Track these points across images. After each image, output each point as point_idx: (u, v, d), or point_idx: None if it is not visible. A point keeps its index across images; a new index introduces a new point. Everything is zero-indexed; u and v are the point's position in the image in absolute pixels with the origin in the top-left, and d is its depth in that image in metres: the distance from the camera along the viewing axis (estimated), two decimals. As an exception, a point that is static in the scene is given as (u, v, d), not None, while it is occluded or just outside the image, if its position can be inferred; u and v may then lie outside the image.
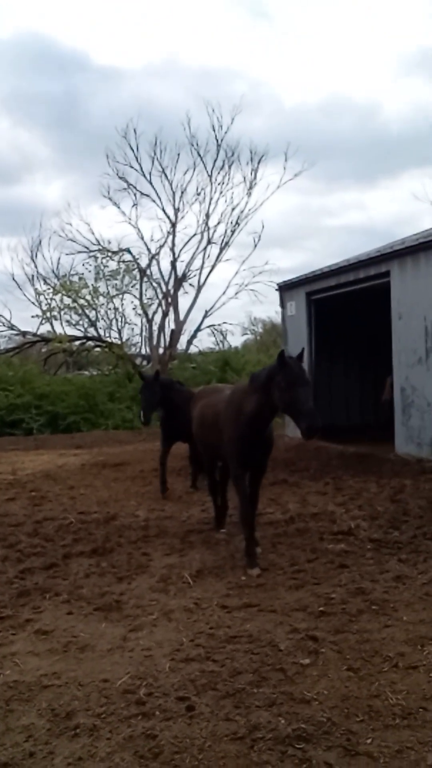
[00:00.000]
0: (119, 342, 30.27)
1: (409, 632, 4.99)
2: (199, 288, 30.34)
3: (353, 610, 5.47)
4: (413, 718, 3.77)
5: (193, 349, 32.82)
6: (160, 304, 30.41)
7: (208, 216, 30.31)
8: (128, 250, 29.84)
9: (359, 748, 3.49)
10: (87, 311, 29.88)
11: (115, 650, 4.92)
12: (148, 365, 29.47)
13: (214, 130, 30.06)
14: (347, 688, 4.16)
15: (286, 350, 18.61)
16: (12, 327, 30.37)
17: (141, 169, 29.75)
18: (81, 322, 30.17)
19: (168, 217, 30.22)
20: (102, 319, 30.63)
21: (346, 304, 17.20)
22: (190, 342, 31.95)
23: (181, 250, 30.33)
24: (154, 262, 30.26)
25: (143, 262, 30.03)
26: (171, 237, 30.14)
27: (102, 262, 29.78)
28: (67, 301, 29.14)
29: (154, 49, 55.13)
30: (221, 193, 30.37)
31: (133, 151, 29.61)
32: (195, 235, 30.43)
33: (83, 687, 4.34)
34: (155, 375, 11.06)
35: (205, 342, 55.62)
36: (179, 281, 30.22)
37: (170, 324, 30.09)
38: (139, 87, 48.99)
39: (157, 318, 30.20)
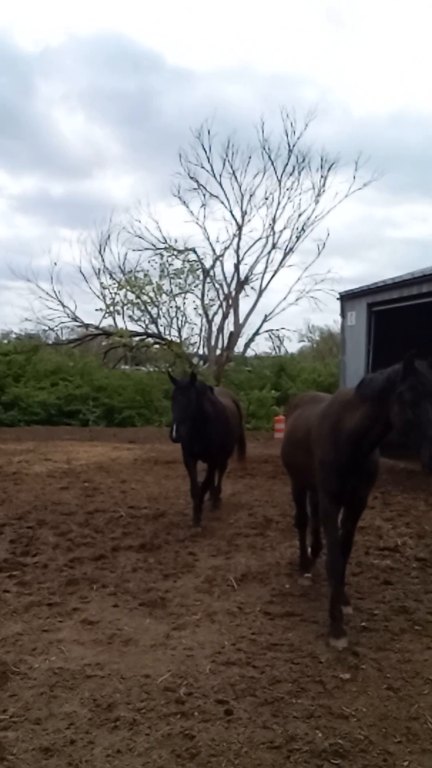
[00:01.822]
0: (178, 340, 30.52)
1: (453, 656, 4.93)
2: (260, 292, 30.44)
3: (396, 629, 5.44)
4: (451, 745, 3.74)
5: (249, 353, 32.96)
6: (220, 306, 30.58)
7: (274, 221, 30.37)
8: (193, 250, 30.12)
9: (395, 769, 3.48)
10: (149, 308, 30.21)
11: (158, 647, 5.01)
12: (205, 365, 29.65)
13: (286, 135, 30.14)
14: (386, 708, 4.15)
15: (344, 361, 18.59)
16: (75, 318, 30.96)
17: (212, 170, 30.00)
18: (143, 319, 30.54)
19: (235, 220, 30.41)
20: (163, 316, 30.92)
21: (407, 318, 16.97)
22: (247, 345, 32.07)
23: (245, 253, 30.50)
24: (218, 263, 30.52)
25: (207, 263, 30.30)
26: (236, 239, 30.33)
27: (167, 260, 30.08)
28: (131, 296, 29.51)
29: (226, 52, 55.23)
30: (289, 198, 30.41)
31: (205, 151, 29.89)
32: (260, 239, 30.54)
33: (125, 680, 4.44)
34: (191, 379, 8.64)
35: (261, 346, 55.49)
36: (241, 284, 30.33)
37: (229, 326, 30.24)
38: (210, 89, 49.34)
39: (217, 319, 30.40)
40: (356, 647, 5.01)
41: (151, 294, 29.81)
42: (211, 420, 8.76)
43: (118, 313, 30.21)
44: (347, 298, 18.45)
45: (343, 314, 18.72)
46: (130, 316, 30.42)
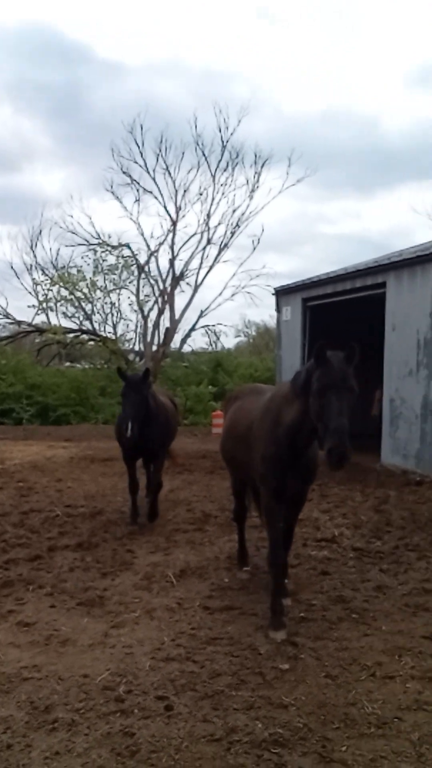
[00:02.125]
0: (113, 337, 30.24)
1: (388, 642, 5.04)
2: (196, 288, 30.44)
3: (333, 618, 5.53)
4: (388, 728, 3.83)
5: (186, 349, 32.89)
6: (156, 302, 30.42)
7: (209, 216, 30.37)
8: (128, 246, 29.86)
9: (334, 756, 3.53)
10: (83, 304, 29.82)
11: (97, 646, 4.95)
12: (140, 362, 29.47)
13: (220, 131, 30.16)
14: (324, 695, 4.21)
15: (279, 356, 18.77)
16: (7, 316, 30.28)
17: (145, 165, 29.79)
18: (77, 315, 30.12)
19: (169, 215, 30.27)
20: (98, 313, 30.59)
21: (341, 313, 17.28)
22: (183, 341, 32.00)
23: (180, 249, 30.40)
24: (153, 259, 30.31)
25: (142, 259, 30.06)
26: (171, 235, 30.19)
27: (101, 256, 29.75)
28: (64, 292, 29.07)
29: (156, 47, 54.75)
30: (223, 194, 30.46)
31: (138, 146, 29.65)
32: (195, 234, 30.50)
33: (63, 681, 4.37)
34: (144, 375, 8.34)
35: (198, 342, 55.56)
36: (176, 280, 30.25)
37: (165, 322, 30.12)
38: (142, 83, 48.78)
39: (153, 315, 30.21)
40: (295, 638, 5.07)
41: (85, 290, 29.45)
42: (154, 417, 8.44)
43: (52, 310, 29.73)
44: (282, 293, 18.65)
45: (278, 309, 18.92)
46: (63, 313, 29.98)
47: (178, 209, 30.26)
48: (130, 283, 30.28)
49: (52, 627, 5.30)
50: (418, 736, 3.73)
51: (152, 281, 30.44)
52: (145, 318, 30.00)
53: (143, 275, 30.07)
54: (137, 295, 29.91)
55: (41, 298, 29.40)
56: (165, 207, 30.22)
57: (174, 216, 30.21)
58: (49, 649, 4.89)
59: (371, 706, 4.07)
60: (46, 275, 30.43)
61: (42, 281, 30.00)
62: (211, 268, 30.60)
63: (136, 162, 29.72)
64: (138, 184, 29.94)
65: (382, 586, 6.34)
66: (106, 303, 30.51)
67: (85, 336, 30.85)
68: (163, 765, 3.44)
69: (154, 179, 29.94)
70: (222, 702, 4.10)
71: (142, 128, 29.41)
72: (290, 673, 4.51)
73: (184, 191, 30.19)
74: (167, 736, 3.71)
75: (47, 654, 4.81)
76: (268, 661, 4.70)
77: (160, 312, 30.11)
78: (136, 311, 30.51)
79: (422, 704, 4.10)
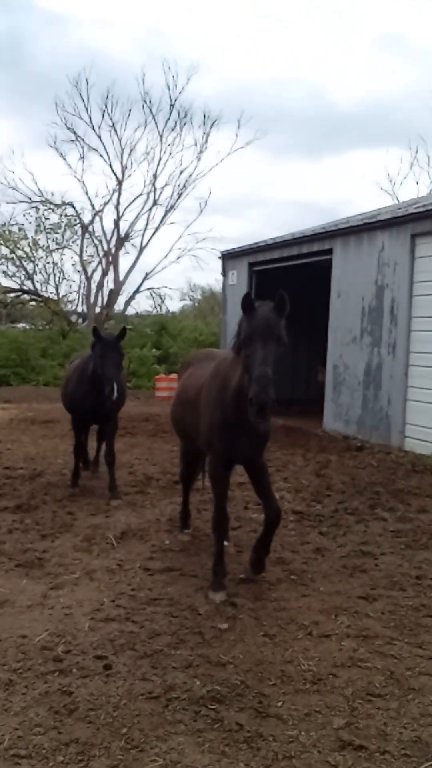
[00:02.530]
0: (56, 297, 29.70)
1: (325, 602, 5.15)
2: (141, 249, 30.10)
3: (272, 579, 5.61)
4: (323, 684, 3.92)
5: (130, 311, 32.60)
6: (100, 263, 30.03)
7: (155, 176, 29.98)
8: (71, 204, 29.28)
9: (270, 711, 3.61)
10: (25, 263, 29.23)
11: (35, 607, 4.91)
12: (83, 323, 29.08)
13: (168, 89, 29.60)
14: (262, 653, 4.29)
15: (225, 320, 18.73)
16: None
17: (90, 121, 29.04)
18: (18, 274, 29.53)
19: (114, 174, 29.72)
20: (40, 272, 30.05)
21: (287, 278, 17.30)
22: (127, 303, 31.72)
23: (125, 209, 29.96)
24: (97, 219, 29.82)
25: (86, 218, 29.52)
26: (116, 195, 29.72)
27: (43, 215, 29.13)
28: (5, 251, 28.44)
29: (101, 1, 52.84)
30: (171, 154, 30.04)
31: (83, 101, 28.86)
32: (141, 195, 30.07)
33: (0, 642, 4.33)
34: (120, 335, 7.97)
35: (143, 304, 55.19)
36: (121, 240, 29.82)
37: (109, 283, 29.77)
38: (86, 36, 47.20)
39: (96, 276, 29.85)
40: (234, 598, 5.13)
41: (27, 249, 28.82)
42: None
43: (-8, 269, 29.00)
44: (228, 257, 18.57)
45: (224, 273, 18.85)
46: (4, 272, 29.35)
47: (124, 168, 29.78)
48: (73, 242, 29.83)
49: (-10, 588, 5.23)
50: (351, 691, 3.84)
51: (96, 241, 30.01)
52: (89, 279, 29.61)
53: (87, 235, 29.58)
54: (80, 256, 29.47)
55: (-20, 257, 28.62)
56: (110, 166, 29.70)
57: (120, 175, 29.72)
58: (-14, 611, 4.83)
59: (307, 664, 4.16)
60: (-14, 233, 29.58)
61: (-19, 239, 29.17)
62: (156, 229, 30.32)
63: (81, 118, 29.00)
64: (83, 140, 29.28)
65: (321, 549, 6.46)
66: (48, 263, 30.01)
67: (26, 296, 30.26)
68: (102, 722, 3.45)
69: (99, 136, 29.33)
70: (161, 661, 4.13)
71: (87, 82, 28.66)
72: (229, 633, 4.57)
73: (131, 150, 29.73)
74: (106, 695, 3.72)
75: (-16, 615, 4.75)
76: (208, 621, 4.74)
77: (104, 273, 29.73)
78: (79, 272, 30.14)
79: (356, 661, 4.21)
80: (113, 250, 29.68)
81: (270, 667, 4.10)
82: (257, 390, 4.30)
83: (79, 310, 31.38)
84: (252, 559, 5.61)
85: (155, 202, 30.02)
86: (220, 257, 19.07)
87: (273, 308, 4.65)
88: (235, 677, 3.95)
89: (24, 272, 29.43)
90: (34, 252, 29.21)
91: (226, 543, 6.27)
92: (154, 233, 30.30)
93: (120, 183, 29.68)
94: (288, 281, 17.40)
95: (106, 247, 29.79)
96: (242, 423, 4.89)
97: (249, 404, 4.38)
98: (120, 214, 29.74)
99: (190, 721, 3.49)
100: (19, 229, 29.01)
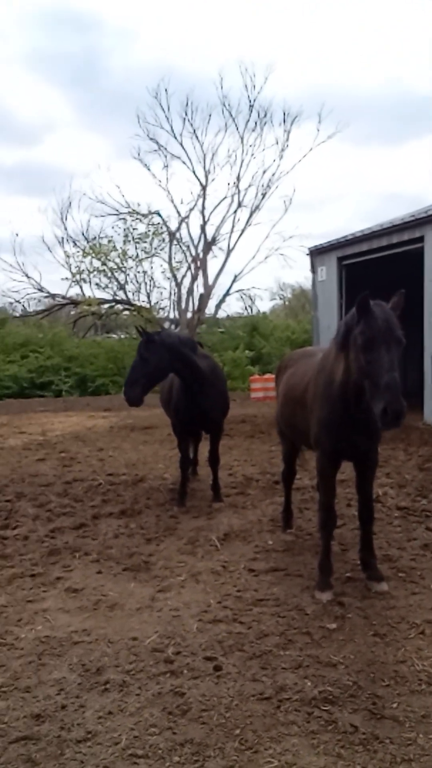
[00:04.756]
0: (147, 305, 30.26)
1: (436, 600, 4.99)
2: (229, 252, 30.20)
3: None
4: (439, 685, 3.79)
5: (221, 314, 32.87)
6: (189, 268, 30.34)
7: (239, 179, 30.02)
8: (158, 213, 29.76)
9: (385, 712, 3.52)
10: (116, 274, 29.89)
11: (144, 609, 5.00)
12: (176, 329, 29.48)
13: (246, 91, 29.62)
14: (373, 653, 4.19)
15: (316, 317, 18.53)
16: (41, 289, 30.57)
17: (172, 130, 29.47)
18: (110, 286, 30.25)
19: (198, 180, 30.00)
20: (131, 282, 30.65)
21: (378, 270, 16.97)
22: (218, 306, 31.95)
23: (211, 214, 30.18)
24: (184, 225, 30.18)
25: (173, 225, 29.93)
26: (201, 200, 29.97)
27: (131, 225, 29.72)
28: (97, 263, 29.17)
29: (167, 14, 53.19)
30: (253, 155, 30.02)
31: (164, 111, 29.32)
32: (225, 198, 30.22)
33: (113, 644, 4.43)
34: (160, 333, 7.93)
35: (233, 307, 55.46)
36: (209, 245, 30.06)
37: (199, 288, 30.05)
38: (157, 47, 47.75)
39: (186, 282, 30.17)
40: (342, 597, 5.05)
41: (117, 260, 29.48)
42: (208, 381, 7.78)
43: (85, 282, 29.94)
44: (316, 253, 18.37)
45: (313, 270, 18.66)
46: (97, 284, 30.15)
47: (207, 173, 30.00)
48: (161, 250, 30.24)
49: (100, 592, 5.36)
50: (470, 692, 3.69)
51: (184, 248, 30.34)
52: (179, 285, 29.97)
53: (175, 242, 29.96)
54: (170, 263, 29.86)
55: (74, 271, 29.58)
56: (194, 172, 29.99)
57: (203, 180, 29.96)
58: (97, 614, 4.95)
59: (421, 664, 4.03)
60: (78, 247, 30.56)
61: (74, 253, 30.16)
62: (243, 231, 30.35)
63: (162, 127, 29.46)
64: (165, 149, 29.70)
65: (429, 545, 6.28)
66: (138, 272, 30.57)
67: (119, 306, 30.98)
68: (215, 723, 3.47)
69: (181, 144, 29.71)
70: (270, 662, 4.11)
71: (167, 92, 29.14)
72: (338, 633, 4.50)
73: (213, 154, 29.91)
74: (217, 695, 3.73)
75: (96, 618, 4.87)
76: (315, 621, 4.69)
77: (194, 278, 30.03)
78: (169, 279, 30.54)
79: (473, 660, 4.05)
80: (201, 255, 29.96)
81: (382, 668, 4.01)
82: (390, 399, 4.14)
83: (171, 316, 31.85)
84: (362, 561, 5.52)
85: (240, 204, 30.12)
86: (307, 254, 18.89)
87: (391, 309, 4.51)
88: (347, 678, 3.88)
89: (116, 283, 30.14)
90: (124, 262, 29.85)
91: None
92: (240, 235, 30.41)
93: (204, 188, 29.96)
94: (379, 273, 17.16)
95: (194, 253, 30.12)
96: (349, 417, 4.89)
97: (382, 414, 4.18)
98: (206, 219, 30.03)
99: (303, 722, 3.45)
100: (109, 242, 29.76)
